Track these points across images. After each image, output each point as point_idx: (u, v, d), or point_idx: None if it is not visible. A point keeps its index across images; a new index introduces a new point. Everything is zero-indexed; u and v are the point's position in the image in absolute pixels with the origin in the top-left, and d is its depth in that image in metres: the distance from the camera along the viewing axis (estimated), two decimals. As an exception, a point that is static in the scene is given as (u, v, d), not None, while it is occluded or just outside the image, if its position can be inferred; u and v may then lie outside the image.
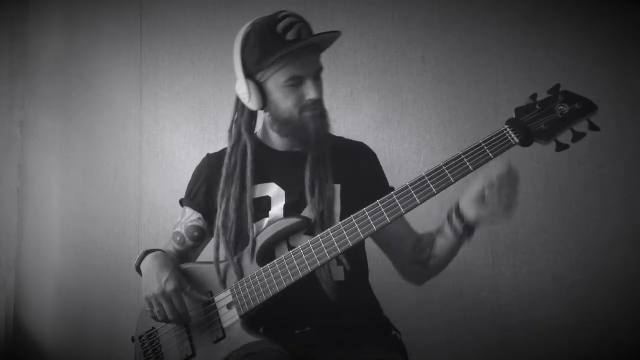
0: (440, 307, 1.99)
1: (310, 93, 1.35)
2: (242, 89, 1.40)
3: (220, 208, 1.40)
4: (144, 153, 2.23)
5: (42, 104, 2.30)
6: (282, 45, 1.31)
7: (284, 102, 1.37)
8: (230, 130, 1.49)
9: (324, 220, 1.33)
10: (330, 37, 1.38)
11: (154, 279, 1.33)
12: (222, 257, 1.40)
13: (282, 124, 1.40)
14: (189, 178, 1.57)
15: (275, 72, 1.35)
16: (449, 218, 1.30)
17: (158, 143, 2.23)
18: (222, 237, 1.38)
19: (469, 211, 1.25)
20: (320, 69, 1.40)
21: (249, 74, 1.38)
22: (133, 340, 1.45)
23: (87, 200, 2.22)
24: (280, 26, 1.32)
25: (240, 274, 1.34)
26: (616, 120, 1.99)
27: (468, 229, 1.27)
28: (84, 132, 2.27)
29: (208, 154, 1.57)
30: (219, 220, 1.40)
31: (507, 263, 2.03)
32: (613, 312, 1.96)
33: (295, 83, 1.35)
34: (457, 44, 2.14)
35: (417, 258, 1.39)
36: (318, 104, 1.38)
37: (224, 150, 1.53)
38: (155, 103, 2.25)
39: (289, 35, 1.32)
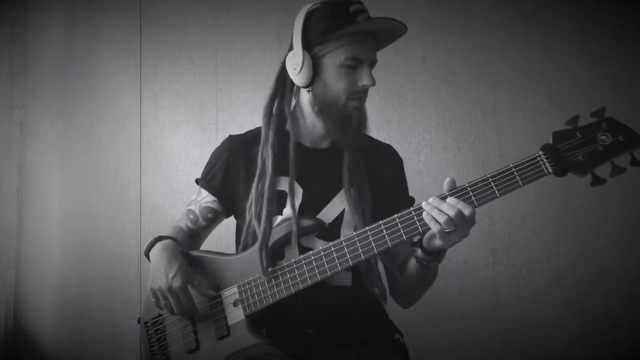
0: (440, 307, 1.99)
1: (364, 79, 1.33)
2: (296, 59, 1.35)
3: (256, 193, 1.36)
4: (144, 153, 2.22)
5: (42, 104, 2.30)
6: (352, 23, 1.30)
7: (335, 82, 1.33)
8: (268, 107, 1.43)
9: (357, 219, 1.30)
10: (396, 28, 1.36)
11: (162, 272, 1.31)
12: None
13: (325, 105, 1.35)
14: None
15: (337, 48, 1.32)
16: (412, 246, 1.27)
17: (158, 143, 2.23)
18: (256, 221, 1.34)
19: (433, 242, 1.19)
20: (375, 61, 1.37)
21: (307, 46, 1.34)
22: (139, 322, 1.45)
23: (87, 200, 2.22)
24: (352, 8, 1.31)
25: (267, 265, 1.29)
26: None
27: (431, 256, 1.23)
28: (84, 132, 2.27)
29: (230, 136, 1.51)
30: (254, 209, 1.35)
31: (507, 263, 2.03)
32: (613, 312, 1.96)
33: (354, 64, 1.32)
34: (457, 44, 2.14)
35: (399, 271, 1.36)
36: (365, 95, 1.36)
37: (248, 132, 1.50)
38: (155, 103, 2.25)
39: (360, 19, 1.31)
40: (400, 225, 1.17)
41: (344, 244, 1.22)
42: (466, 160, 2.08)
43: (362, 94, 1.36)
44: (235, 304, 1.33)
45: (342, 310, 1.32)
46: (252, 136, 1.46)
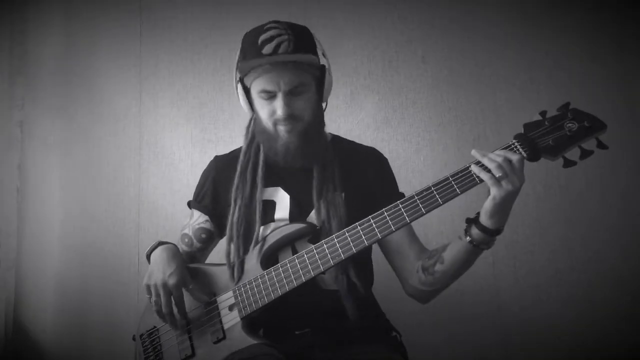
0: (440, 307, 1.98)
1: (278, 110, 1.33)
2: (237, 91, 1.43)
3: (236, 204, 1.40)
4: (144, 153, 2.23)
5: (42, 104, 2.30)
6: (256, 57, 1.32)
7: (261, 111, 1.37)
8: (247, 128, 1.48)
9: (331, 228, 1.32)
10: (308, 60, 1.34)
11: (160, 270, 1.34)
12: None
13: (259, 131, 1.41)
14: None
15: (252, 81, 1.35)
16: (467, 223, 1.27)
17: (158, 143, 2.23)
18: (234, 234, 1.38)
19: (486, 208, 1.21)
20: (299, 85, 1.33)
21: (239, 78, 1.39)
22: (134, 339, 1.46)
23: (87, 200, 2.22)
24: (261, 37, 1.32)
25: (240, 274, 1.34)
26: (616, 119, 1.99)
27: (486, 232, 1.25)
28: (84, 132, 2.27)
29: (216, 156, 1.57)
30: (233, 217, 1.39)
31: (507, 263, 2.03)
32: (613, 312, 1.96)
33: (267, 97, 1.34)
34: (457, 44, 2.14)
35: (422, 264, 1.35)
36: (289, 120, 1.34)
37: (233, 152, 1.54)
38: (155, 103, 2.25)
39: (265, 49, 1.31)
40: (388, 218, 1.22)
41: (335, 239, 1.25)
42: (466, 160, 2.07)
43: (284, 121, 1.34)
44: (230, 308, 1.34)
45: (339, 311, 1.32)
46: (237, 155, 1.49)
